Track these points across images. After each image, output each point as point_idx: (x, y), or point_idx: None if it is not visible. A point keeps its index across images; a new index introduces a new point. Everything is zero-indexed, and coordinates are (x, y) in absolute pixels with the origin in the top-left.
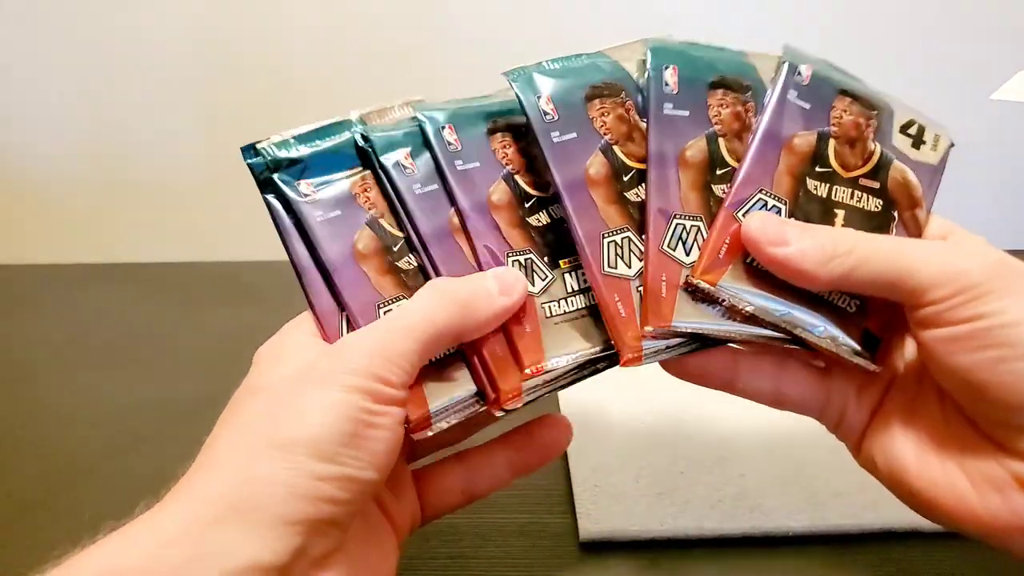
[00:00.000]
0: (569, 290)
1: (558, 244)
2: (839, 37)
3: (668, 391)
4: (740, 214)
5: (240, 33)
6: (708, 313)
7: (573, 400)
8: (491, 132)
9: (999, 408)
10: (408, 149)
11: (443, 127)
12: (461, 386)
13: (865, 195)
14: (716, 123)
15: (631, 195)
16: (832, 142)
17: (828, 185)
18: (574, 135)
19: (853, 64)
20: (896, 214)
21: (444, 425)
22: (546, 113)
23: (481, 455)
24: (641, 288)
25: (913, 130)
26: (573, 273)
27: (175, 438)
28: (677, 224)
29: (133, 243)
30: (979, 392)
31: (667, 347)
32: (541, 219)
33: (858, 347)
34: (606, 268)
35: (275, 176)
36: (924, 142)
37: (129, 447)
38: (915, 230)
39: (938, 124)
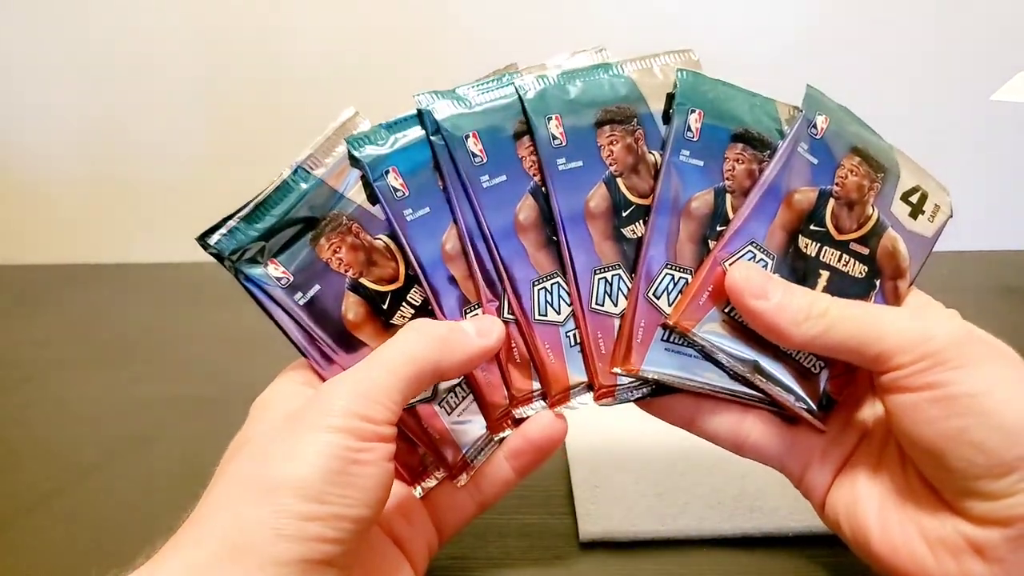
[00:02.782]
0: None
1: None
2: (840, 38)
3: None
4: (727, 264)
5: (240, 33)
6: (678, 360)
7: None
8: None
9: (957, 476)
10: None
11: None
12: (478, 426)
13: (852, 260)
14: (728, 178)
15: (627, 231)
16: (832, 202)
17: (819, 245)
18: (580, 164)
19: (853, 64)
20: (878, 283)
21: (479, 461)
22: (555, 137)
23: (485, 464)
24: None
25: (915, 198)
26: None
27: (176, 438)
28: (667, 274)
29: (133, 243)
30: (939, 459)
31: (638, 386)
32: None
33: (813, 406)
34: (593, 304)
35: (241, 268)
36: (923, 212)
37: (130, 447)
38: (894, 300)
39: (943, 189)
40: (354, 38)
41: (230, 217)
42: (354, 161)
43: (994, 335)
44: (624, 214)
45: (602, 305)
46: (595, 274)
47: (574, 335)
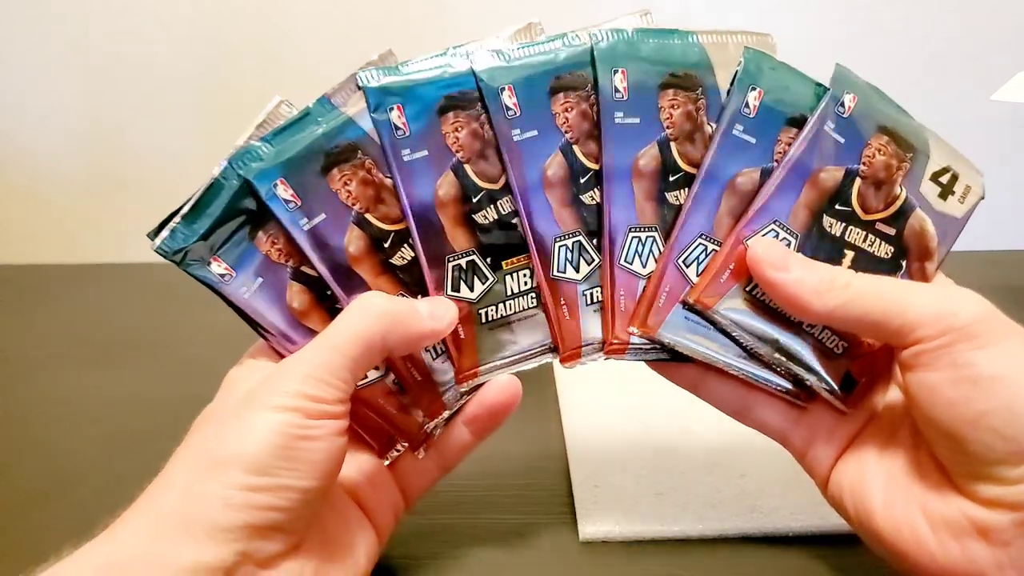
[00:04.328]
0: (510, 293)
1: (505, 244)
2: (839, 38)
3: (668, 391)
4: (749, 241)
5: (240, 33)
6: (696, 329)
7: (574, 400)
8: (442, 111)
9: (974, 460)
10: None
11: (390, 117)
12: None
13: (878, 240)
14: (777, 161)
15: (671, 196)
16: (858, 182)
17: (844, 224)
18: (637, 120)
19: (853, 65)
20: (905, 264)
21: (437, 432)
22: (617, 91)
23: (445, 430)
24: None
25: (945, 179)
26: (515, 275)
27: (175, 437)
28: (699, 244)
29: (133, 243)
30: (957, 443)
31: (649, 349)
32: (488, 215)
33: (835, 386)
34: (623, 261)
35: (188, 270)
36: (953, 192)
37: (128, 446)
38: (921, 281)
39: (976, 171)
40: (354, 40)
41: (169, 218)
42: (241, 179)
43: None
44: (671, 179)
45: (631, 263)
46: (630, 232)
47: (591, 294)
